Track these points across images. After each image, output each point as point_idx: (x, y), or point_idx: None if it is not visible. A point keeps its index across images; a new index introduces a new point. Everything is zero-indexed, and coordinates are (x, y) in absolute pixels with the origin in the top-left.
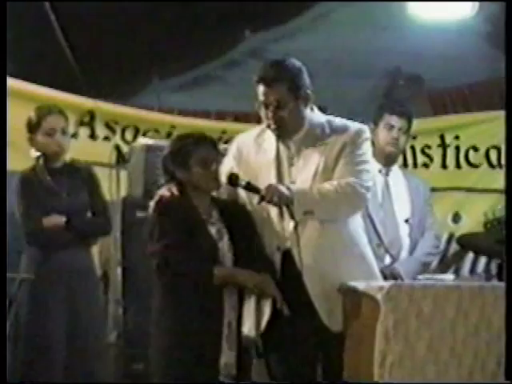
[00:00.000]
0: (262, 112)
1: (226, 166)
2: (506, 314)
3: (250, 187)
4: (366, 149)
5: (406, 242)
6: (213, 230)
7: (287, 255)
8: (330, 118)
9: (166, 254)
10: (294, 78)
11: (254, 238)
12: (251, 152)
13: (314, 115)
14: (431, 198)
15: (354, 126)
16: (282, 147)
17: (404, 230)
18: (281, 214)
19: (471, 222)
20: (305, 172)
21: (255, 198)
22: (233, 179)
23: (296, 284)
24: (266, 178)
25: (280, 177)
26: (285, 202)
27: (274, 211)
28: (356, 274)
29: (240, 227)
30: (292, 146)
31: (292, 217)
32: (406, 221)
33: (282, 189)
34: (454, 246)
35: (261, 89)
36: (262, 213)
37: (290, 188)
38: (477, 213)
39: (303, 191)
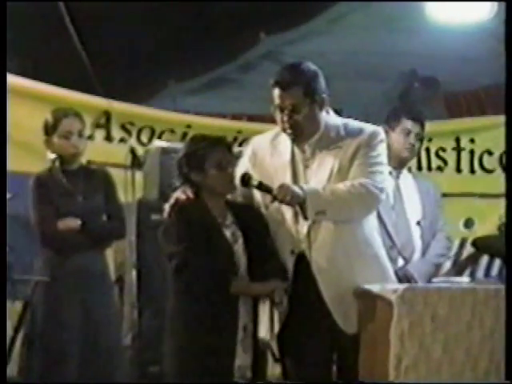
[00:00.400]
0: (278, 116)
1: (242, 168)
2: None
3: (263, 187)
4: (381, 150)
5: (418, 244)
6: (228, 233)
7: (301, 258)
8: (346, 120)
9: (185, 256)
10: (310, 82)
11: (268, 241)
12: (266, 154)
13: (330, 118)
14: (442, 201)
15: (369, 128)
16: (297, 150)
17: (416, 232)
18: (295, 218)
19: (484, 228)
20: (319, 174)
21: (269, 200)
22: (245, 179)
23: (310, 287)
24: (281, 181)
25: (295, 179)
26: (297, 202)
27: (288, 214)
28: (370, 276)
29: (254, 230)
30: (307, 148)
31: (305, 217)
32: (418, 223)
33: (295, 188)
34: (467, 251)
35: (276, 92)
36: (276, 216)
37: (303, 188)
38: (489, 218)
39: (316, 191)
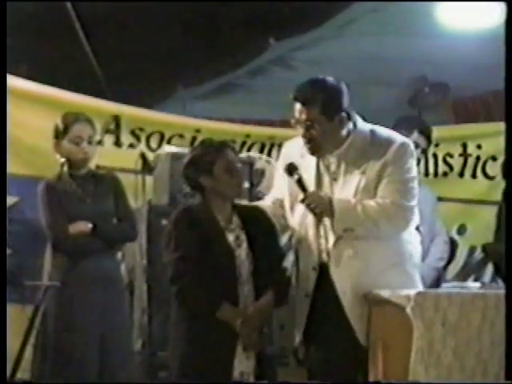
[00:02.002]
0: (298, 128)
1: (277, 178)
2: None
3: (300, 184)
4: (411, 164)
5: (418, 249)
6: (231, 238)
7: (324, 271)
8: (374, 129)
9: (179, 266)
10: (328, 100)
11: (274, 247)
12: (296, 163)
13: (357, 129)
14: (443, 206)
15: (396, 140)
16: (322, 162)
17: (416, 238)
18: (319, 231)
19: (476, 235)
20: (345, 188)
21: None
22: (290, 168)
23: (332, 300)
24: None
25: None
26: (324, 214)
27: (311, 229)
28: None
29: (260, 234)
30: (333, 161)
31: (331, 230)
32: (417, 228)
33: (325, 201)
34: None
35: (296, 106)
36: (300, 230)
37: (334, 202)
38: (486, 225)
39: (346, 207)
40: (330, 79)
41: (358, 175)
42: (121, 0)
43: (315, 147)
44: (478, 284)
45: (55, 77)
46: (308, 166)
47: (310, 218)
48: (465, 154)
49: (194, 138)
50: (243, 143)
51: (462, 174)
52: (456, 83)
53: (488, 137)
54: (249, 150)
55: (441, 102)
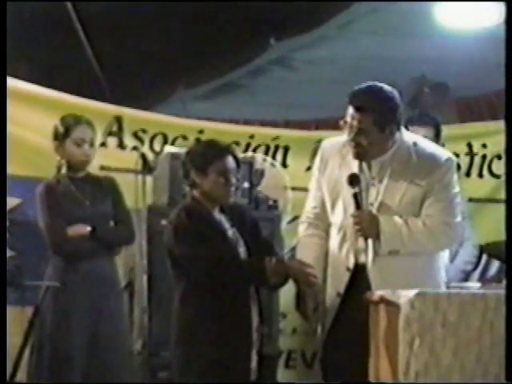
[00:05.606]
0: (346, 131)
1: (313, 178)
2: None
3: (356, 198)
4: (455, 181)
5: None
6: (230, 235)
7: (360, 273)
8: (416, 139)
9: (214, 260)
10: (384, 111)
11: (263, 240)
12: (335, 165)
13: (402, 138)
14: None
15: (441, 156)
16: (364, 165)
17: None
18: (356, 235)
19: (484, 234)
20: (389, 194)
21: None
22: (353, 179)
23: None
24: (346, 195)
25: (359, 195)
26: (369, 236)
27: (349, 230)
28: None
29: (248, 230)
30: (374, 166)
31: (375, 251)
32: None
33: (374, 223)
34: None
35: (349, 111)
36: (339, 229)
37: (380, 226)
38: (493, 224)
39: (392, 232)
40: (388, 88)
41: (403, 186)
42: (121, 0)
43: (361, 153)
44: (478, 284)
45: (55, 77)
46: (349, 166)
47: (350, 219)
48: (471, 153)
49: (197, 140)
50: (248, 145)
51: (468, 174)
52: (456, 83)
53: (492, 135)
54: (254, 151)
55: (441, 102)
